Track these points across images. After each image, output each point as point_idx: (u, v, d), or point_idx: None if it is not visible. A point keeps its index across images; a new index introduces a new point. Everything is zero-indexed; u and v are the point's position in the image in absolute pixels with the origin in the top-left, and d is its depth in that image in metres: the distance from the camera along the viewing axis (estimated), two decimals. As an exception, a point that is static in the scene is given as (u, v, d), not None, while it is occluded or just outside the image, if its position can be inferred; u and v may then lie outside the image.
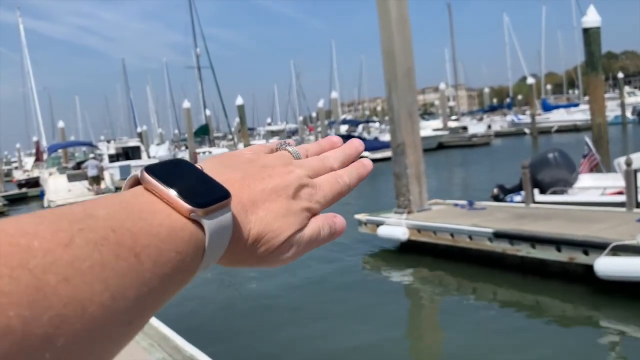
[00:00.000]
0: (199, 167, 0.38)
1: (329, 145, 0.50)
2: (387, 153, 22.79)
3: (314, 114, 61.61)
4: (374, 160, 35.14)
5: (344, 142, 0.50)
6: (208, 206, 0.34)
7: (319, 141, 0.50)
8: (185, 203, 0.33)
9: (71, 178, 24.26)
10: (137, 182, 0.35)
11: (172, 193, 0.33)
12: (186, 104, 41.73)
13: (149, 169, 0.35)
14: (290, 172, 0.42)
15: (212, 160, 0.42)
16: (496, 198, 10.74)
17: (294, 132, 54.47)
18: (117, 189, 24.40)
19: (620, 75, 50.77)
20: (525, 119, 45.98)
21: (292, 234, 0.40)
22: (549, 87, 69.25)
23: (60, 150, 32.05)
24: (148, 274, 0.30)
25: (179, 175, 0.35)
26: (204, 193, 0.35)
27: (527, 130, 41.61)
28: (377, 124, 45.86)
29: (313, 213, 0.42)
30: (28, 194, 29.21)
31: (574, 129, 40.29)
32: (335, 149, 0.49)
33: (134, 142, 38.45)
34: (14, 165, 57.12)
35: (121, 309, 0.28)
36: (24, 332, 0.23)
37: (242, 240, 0.37)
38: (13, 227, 0.26)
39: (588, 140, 11.38)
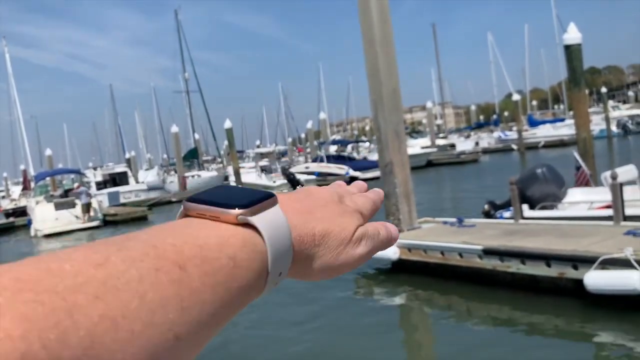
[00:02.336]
0: (239, 187, 0.39)
1: (358, 190, 0.52)
2: (376, 172, 22.87)
3: (303, 135, 61.83)
4: (364, 180, 35.32)
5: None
6: (253, 205, 0.34)
7: (331, 185, 0.53)
8: (229, 209, 0.33)
9: (58, 206, 24.04)
10: (185, 215, 0.35)
11: (216, 207, 0.33)
12: (174, 129, 41.74)
13: (191, 198, 0.35)
14: (327, 190, 0.45)
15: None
16: (487, 214, 10.76)
17: (283, 154, 54.54)
18: (105, 215, 24.33)
19: (604, 89, 51.58)
20: (512, 135, 46.42)
21: (356, 228, 0.41)
22: (534, 103, 70.07)
23: (48, 178, 31.80)
24: (196, 283, 0.29)
25: (219, 193, 0.35)
26: (247, 196, 0.35)
27: (514, 146, 42.02)
28: (366, 144, 46.08)
29: (364, 218, 0.44)
30: (15, 224, 28.84)
31: (561, 144, 40.71)
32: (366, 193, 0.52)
33: (120, 168, 38.33)
34: (1, 194, 56.56)
35: (163, 321, 0.27)
36: (50, 356, 0.22)
37: (309, 237, 0.37)
38: (50, 256, 0.26)
39: (577, 155, 11.48)
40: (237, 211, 0.33)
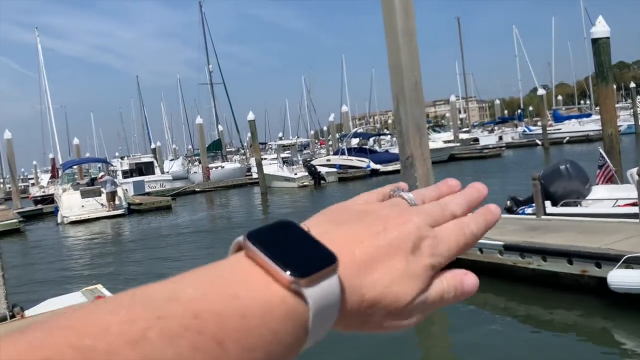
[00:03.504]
0: (305, 227, 0.34)
1: (448, 190, 0.44)
2: (397, 166, 22.72)
3: (325, 128, 61.80)
4: (386, 173, 34.96)
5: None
6: (310, 274, 0.30)
7: (436, 185, 0.45)
8: (285, 273, 0.30)
9: (84, 194, 24.52)
10: (240, 247, 0.32)
11: (272, 262, 0.30)
12: (199, 120, 42.18)
13: (251, 235, 0.32)
14: (407, 221, 0.37)
15: (321, 217, 0.38)
16: (509, 210, 10.68)
17: (305, 146, 54.65)
18: (130, 204, 24.74)
19: (633, 84, 50.44)
20: (537, 130, 45.73)
21: (413, 298, 0.35)
22: (560, 97, 68.82)
23: (75, 167, 32.43)
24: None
25: (281, 240, 0.32)
26: (307, 259, 0.31)
27: (538, 142, 41.39)
28: (388, 137, 45.86)
29: (436, 269, 0.37)
30: (43, 210, 29.50)
31: (586, 139, 39.98)
32: (456, 194, 0.43)
33: (147, 158, 38.86)
34: (31, 182, 57.82)
35: None
36: None
37: (354, 307, 0.33)
38: (82, 320, 0.25)
39: (602, 151, 11.30)
40: (291, 278, 0.30)
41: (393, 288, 0.34)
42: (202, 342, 0.26)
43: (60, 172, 31.73)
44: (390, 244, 0.35)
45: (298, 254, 0.31)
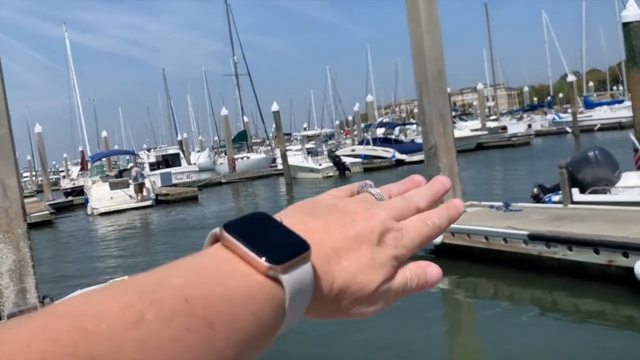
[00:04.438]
0: (278, 218, 0.36)
1: (413, 185, 0.46)
2: (422, 156, 22.54)
3: (350, 118, 61.63)
4: (411, 163, 34.60)
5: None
6: (286, 261, 0.32)
7: (401, 181, 0.47)
8: (262, 260, 0.32)
9: (113, 186, 24.97)
10: (217, 239, 0.34)
11: (249, 250, 0.32)
12: (224, 112, 42.48)
13: (228, 226, 0.34)
14: (373, 215, 0.39)
15: (292, 209, 0.40)
16: (536, 198, 10.52)
17: (330, 137, 54.59)
18: (158, 195, 25.11)
19: (667, 69, 48.82)
20: (567, 117, 44.75)
21: (378, 286, 0.37)
22: (591, 84, 67.20)
23: (103, 159, 33.04)
24: (222, 343, 0.29)
25: (256, 230, 0.34)
26: (282, 247, 0.33)
27: (568, 129, 40.52)
28: (414, 126, 45.53)
29: (400, 260, 0.39)
30: (74, 202, 30.14)
31: (618, 126, 38.96)
32: (420, 187, 0.46)
33: (173, 150, 39.31)
34: (62, 174, 59.14)
35: None
36: None
37: (324, 293, 0.35)
38: (82, 306, 0.26)
39: (633, 137, 11.02)
40: (268, 264, 0.32)
41: (359, 277, 0.36)
42: (193, 323, 0.28)
43: (89, 165, 32.33)
44: (357, 235, 0.37)
45: (273, 243, 0.33)
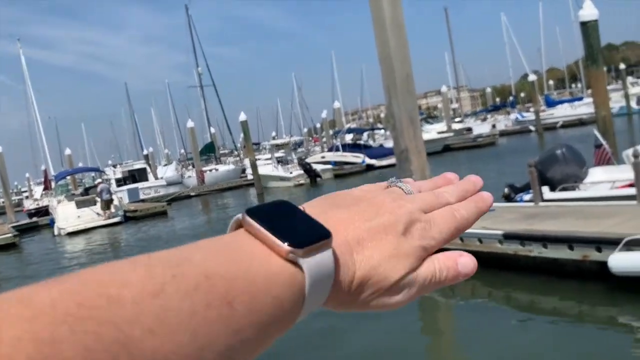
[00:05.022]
0: (301, 208, 0.36)
1: (444, 182, 0.46)
2: (392, 160, 22.73)
3: (318, 125, 61.69)
4: (382, 167, 34.74)
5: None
6: (306, 246, 0.32)
7: (433, 179, 0.47)
8: (283, 243, 0.32)
9: (80, 204, 24.35)
10: (239, 225, 0.34)
11: (270, 234, 0.32)
12: (190, 124, 41.96)
13: (250, 211, 0.34)
14: (400, 207, 0.39)
15: (318, 200, 0.40)
16: (507, 198, 10.63)
17: (299, 144, 54.53)
18: (126, 212, 24.59)
19: (622, 66, 50.54)
20: (530, 116, 45.75)
21: (401, 277, 0.37)
22: (551, 82, 68.92)
23: (68, 177, 32.22)
24: (241, 322, 0.29)
25: (279, 216, 0.34)
26: (303, 233, 0.33)
27: (532, 128, 41.42)
28: (382, 131, 45.83)
29: (428, 252, 0.39)
30: (39, 223, 29.30)
31: (580, 123, 40.01)
32: (451, 185, 0.46)
33: (139, 165, 38.70)
34: (25, 194, 57.48)
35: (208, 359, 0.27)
36: None
37: (346, 283, 0.35)
38: (107, 274, 0.26)
39: (597, 133, 11.25)
40: (288, 248, 0.32)
41: (382, 267, 0.36)
42: (213, 300, 0.28)
43: (53, 184, 31.50)
44: (382, 225, 0.37)
45: (295, 228, 0.33)
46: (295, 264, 0.32)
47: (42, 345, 0.22)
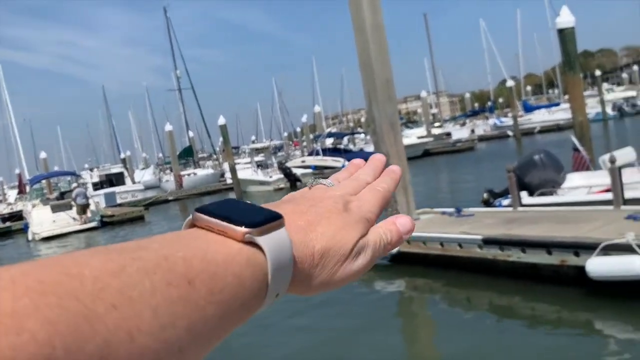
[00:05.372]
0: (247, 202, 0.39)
1: (355, 168, 0.53)
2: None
3: (298, 129, 61.63)
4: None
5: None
6: (260, 226, 0.34)
7: (345, 168, 0.53)
8: (237, 226, 0.33)
9: (55, 209, 23.87)
10: (192, 225, 0.36)
11: (224, 222, 0.34)
12: (168, 127, 41.51)
13: (200, 209, 0.36)
14: (332, 195, 0.44)
15: (264, 204, 0.43)
16: (486, 203, 10.67)
17: (279, 149, 54.41)
18: (103, 216, 24.19)
19: (598, 72, 51.46)
20: (508, 121, 46.29)
21: (356, 242, 0.41)
22: (529, 88, 70.00)
23: (43, 181, 31.63)
24: (203, 301, 0.29)
25: (228, 208, 0.36)
26: (255, 216, 0.35)
27: (510, 133, 41.88)
28: (362, 135, 45.96)
29: (370, 222, 0.44)
30: (12, 228, 28.65)
31: (557, 128, 40.64)
32: (363, 167, 0.52)
33: (116, 169, 38.18)
34: (-2, 199, 56.29)
35: (171, 338, 0.27)
36: None
37: (308, 258, 0.38)
38: (67, 259, 0.27)
39: (574, 138, 11.37)
40: (244, 229, 0.33)
41: (337, 236, 0.40)
42: (173, 278, 0.29)
43: (28, 188, 30.88)
44: (325, 208, 0.42)
45: (246, 214, 0.35)
46: (252, 244, 0.34)
47: (2, 317, 0.22)
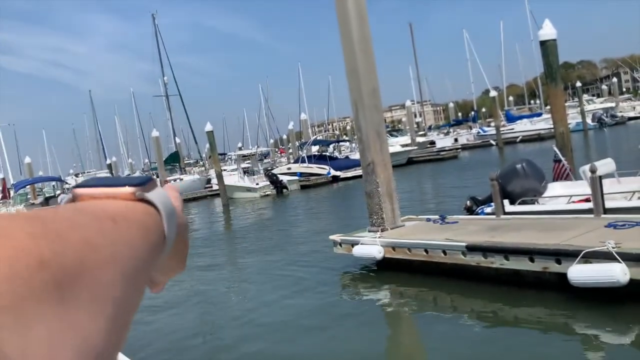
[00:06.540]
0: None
1: None
2: (358, 171, 22.98)
3: (284, 136, 61.64)
4: (347, 179, 34.85)
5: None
6: (145, 184, 0.38)
7: None
8: (126, 188, 0.37)
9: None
10: (73, 202, 0.38)
11: (111, 188, 0.37)
12: (155, 133, 41.29)
13: (79, 185, 0.38)
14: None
15: None
16: (470, 210, 10.85)
17: (265, 155, 54.40)
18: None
19: (579, 84, 52.37)
20: (491, 130, 46.86)
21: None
22: (511, 98, 70.79)
23: (27, 187, 31.30)
24: (125, 233, 0.34)
25: (103, 180, 0.39)
26: (133, 180, 0.39)
27: (493, 142, 42.42)
28: (347, 143, 46.17)
29: None
30: (-6, 234, 28.27)
31: (538, 138, 41.25)
32: None
33: (102, 174, 37.82)
34: (-21, 204, 55.37)
35: (122, 259, 0.32)
36: (56, 262, 0.27)
37: (182, 222, 0.42)
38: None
39: (556, 148, 11.61)
40: (133, 188, 0.37)
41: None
42: (100, 215, 0.33)
43: (12, 193, 30.53)
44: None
45: (125, 181, 0.38)
46: (143, 200, 0.37)
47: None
